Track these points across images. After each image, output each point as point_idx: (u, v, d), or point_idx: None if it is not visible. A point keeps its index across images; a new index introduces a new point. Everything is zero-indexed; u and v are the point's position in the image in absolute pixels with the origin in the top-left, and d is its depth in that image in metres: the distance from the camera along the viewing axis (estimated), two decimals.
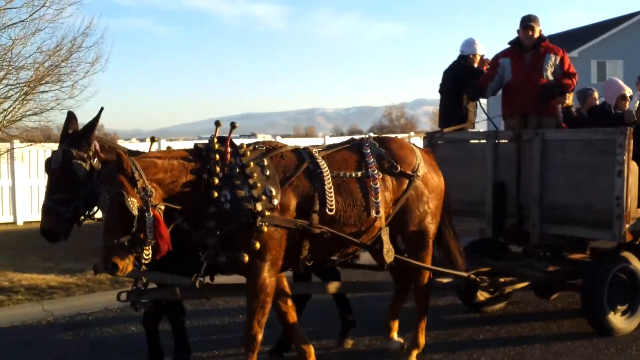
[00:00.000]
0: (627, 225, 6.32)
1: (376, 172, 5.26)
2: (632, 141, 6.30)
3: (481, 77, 7.86)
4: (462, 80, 8.00)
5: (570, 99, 8.18)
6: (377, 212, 5.18)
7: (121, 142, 31.32)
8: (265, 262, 4.80)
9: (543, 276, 6.65)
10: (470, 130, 8.06)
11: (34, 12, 12.69)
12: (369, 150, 5.38)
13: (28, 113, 11.85)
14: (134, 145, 18.34)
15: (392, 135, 6.18)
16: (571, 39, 46.43)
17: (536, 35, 7.39)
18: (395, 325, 6.20)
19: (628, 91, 7.32)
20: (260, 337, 4.84)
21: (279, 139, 22.67)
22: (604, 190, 6.43)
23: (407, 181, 5.44)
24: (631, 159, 6.32)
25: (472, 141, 7.84)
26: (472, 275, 6.29)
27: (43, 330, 7.31)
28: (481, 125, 10.22)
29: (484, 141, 7.53)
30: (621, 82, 7.56)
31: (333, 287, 6.08)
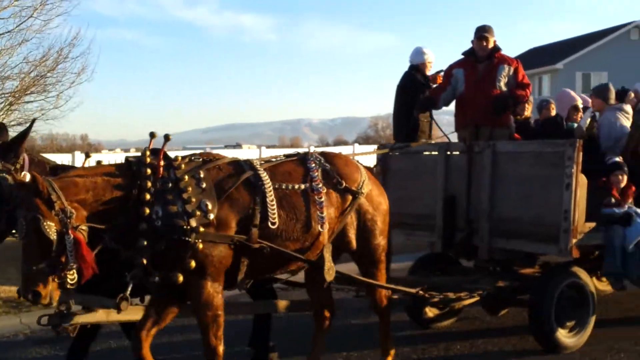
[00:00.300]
0: (574, 240, 6.23)
1: (321, 186, 5.11)
2: (581, 154, 6.22)
3: (433, 88, 7.77)
4: (412, 90, 7.89)
5: (529, 111, 8.11)
6: (322, 227, 5.03)
7: (105, 153, 30.80)
8: (206, 280, 4.61)
9: (489, 292, 6.52)
10: (423, 141, 7.95)
11: (21, 23, 13.18)
12: (313, 165, 5.23)
13: (12, 123, 11.81)
14: (118, 155, 18.03)
15: (337, 152, 5.98)
16: (557, 51, 46.92)
17: (490, 45, 7.31)
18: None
19: (580, 102, 7.26)
20: (220, 349, 4.68)
21: (264, 150, 22.49)
22: (552, 204, 6.33)
23: (351, 198, 5.29)
24: (580, 172, 6.24)
25: (425, 153, 7.72)
26: (420, 292, 6.15)
27: (20, 344, 7.11)
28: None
29: (436, 153, 7.42)
30: (573, 93, 7.52)
31: (280, 305, 5.94)
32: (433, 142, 7.78)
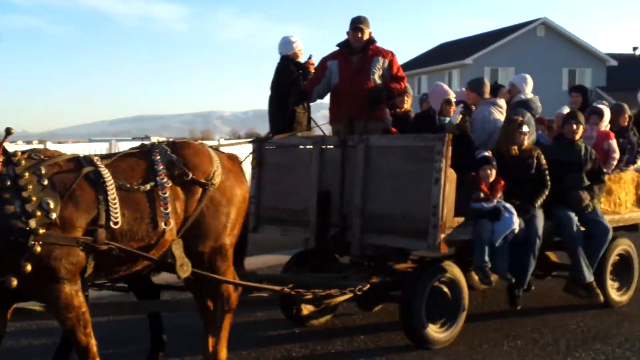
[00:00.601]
0: (443, 235, 6.17)
1: (165, 180, 4.82)
2: (450, 148, 6.16)
3: (308, 81, 7.58)
4: (287, 81, 7.67)
5: (408, 104, 8.03)
6: (167, 224, 4.75)
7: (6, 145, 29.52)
8: (62, 283, 4.37)
9: (360, 288, 6.39)
10: (299, 134, 7.75)
11: None
12: (158, 157, 4.93)
13: None
14: (20, 147, 17.15)
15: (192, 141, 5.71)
16: (466, 46, 47.67)
17: (365, 37, 7.17)
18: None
19: (453, 96, 7.22)
20: (92, 343, 4.54)
21: None
22: (422, 199, 6.26)
23: (201, 190, 5.02)
24: (449, 167, 6.18)
25: (301, 147, 7.52)
26: (286, 290, 5.95)
27: None
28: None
29: (311, 147, 7.24)
30: (446, 87, 7.47)
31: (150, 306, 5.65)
32: (300, 134, 7.59)
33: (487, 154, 6.69)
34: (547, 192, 6.98)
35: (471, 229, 6.49)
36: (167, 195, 4.76)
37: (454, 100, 7.18)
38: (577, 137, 7.37)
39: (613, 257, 8.00)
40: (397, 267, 7.22)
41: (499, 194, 6.64)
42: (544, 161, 7.01)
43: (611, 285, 8.00)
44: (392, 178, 6.53)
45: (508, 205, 6.56)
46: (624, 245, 8.17)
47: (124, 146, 12.98)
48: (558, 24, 47.02)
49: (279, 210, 7.60)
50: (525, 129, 6.92)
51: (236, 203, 5.25)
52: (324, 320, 7.50)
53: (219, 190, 5.11)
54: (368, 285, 6.34)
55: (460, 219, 6.39)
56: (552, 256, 8.67)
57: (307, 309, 7.32)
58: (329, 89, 7.32)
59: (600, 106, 8.32)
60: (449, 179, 6.21)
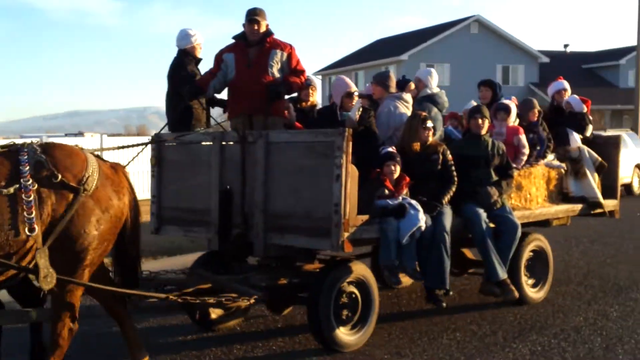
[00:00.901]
0: (347, 234, 5.92)
1: (30, 182, 4.38)
2: (350, 144, 5.91)
3: (203, 75, 7.22)
4: (183, 76, 7.28)
5: (314, 97, 7.75)
6: (31, 231, 4.32)
7: None
8: None
9: (264, 291, 6.05)
10: (198, 130, 7.39)
11: None
12: (25, 157, 4.49)
13: None
14: None
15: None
16: (402, 42, 47.82)
17: (262, 29, 6.85)
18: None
19: (354, 89, 6.95)
20: None
21: (105, 138, 21.00)
22: (323, 197, 6.00)
23: (71, 195, 4.57)
24: (350, 163, 5.93)
25: (202, 143, 7.15)
26: (171, 297, 5.59)
27: None
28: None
29: (211, 143, 6.89)
30: (348, 80, 7.21)
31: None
32: (202, 130, 7.22)
33: (391, 149, 6.46)
34: (454, 189, 6.81)
35: (377, 227, 6.25)
36: (31, 199, 4.33)
37: (355, 93, 6.91)
38: (483, 131, 7.22)
39: (527, 254, 7.92)
40: (305, 268, 6.94)
41: (404, 191, 6.43)
42: (450, 157, 6.84)
43: (526, 282, 7.92)
44: (294, 175, 6.25)
45: (414, 202, 6.35)
46: (537, 241, 8.10)
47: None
48: (491, 21, 47.90)
49: (180, 210, 7.25)
50: (429, 124, 6.72)
51: (112, 215, 4.80)
52: (234, 324, 7.18)
53: (93, 198, 4.67)
54: (266, 293, 6.03)
55: (365, 217, 6.15)
56: (468, 253, 8.56)
57: (215, 312, 6.98)
58: (226, 83, 6.98)
59: (506, 102, 8.20)
60: (351, 176, 5.96)
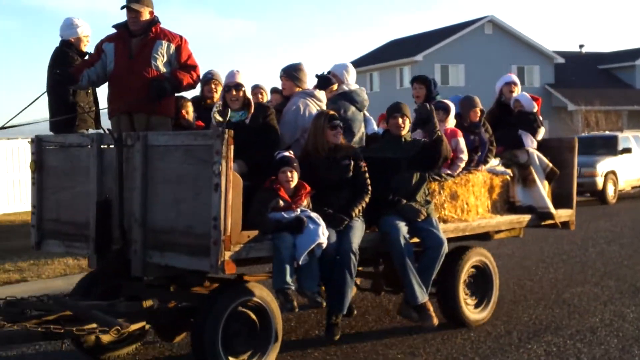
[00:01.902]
0: (229, 253, 5.01)
1: None
2: (232, 147, 5.01)
3: (78, 63, 6.31)
4: (60, 68, 6.36)
5: (218, 93, 6.81)
6: None
7: None
8: None
9: (115, 329, 5.10)
10: (81, 132, 6.48)
11: None
12: None
13: None
14: None
15: None
16: (416, 43, 46.69)
17: (145, 17, 5.95)
18: None
19: (238, 81, 5.99)
20: None
21: None
22: (203, 209, 5.10)
23: None
24: (231, 169, 5.02)
25: (82, 147, 6.22)
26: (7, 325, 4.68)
27: None
28: None
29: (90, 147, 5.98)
30: (235, 71, 6.26)
31: None
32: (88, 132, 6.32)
33: (287, 153, 5.53)
34: (367, 199, 5.91)
35: (269, 245, 5.33)
36: None
37: (244, 88, 5.92)
38: (404, 132, 6.31)
39: (466, 270, 7.03)
40: (196, 289, 6.02)
41: (304, 202, 5.52)
42: (363, 162, 5.93)
43: (466, 301, 7.02)
44: (174, 184, 5.37)
45: (314, 214, 5.43)
46: (478, 255, 7.20)
47: None
48: (505, 21, 47.00)
49: (61, 222, 6.34)
50: (337, 123, 5.81)
51: None
52: (127, 351, 6.25)
53: None
54: (129, 327, 5.10)
55: (253, 233, 5.24)
56: None
57: (104, 338, 6.03)
58: (105, 76, 6.06)
59: (446, 101, 7.28)
60: (234, 185, 5.05)
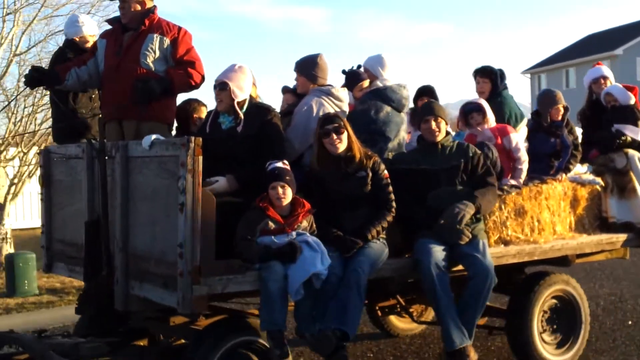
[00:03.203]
0: (198, 288, 4.13)
1: None
2: (200, 158, 4.14)
3: (68, 63, 5.64)
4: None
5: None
6: None
7: None
8: None
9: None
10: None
11: None
12: None
13: None
14: None
15: None
16: (616, 36, 43.81)
17: (136, 8, 5.19)
18: None
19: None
20: None
21: None
22: (172, 233, 4.26)
23: None
24: (200, 185, 4.15)
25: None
26: None
27: None
28: None
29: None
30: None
31: None
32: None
33: (280, 164, 4.54)
34: (389, 218, 4.83)
35: (255, 276, 4.39)
36: None
37: (227, 87, 4.97)
38: (439, 137, 5.16)
39: (544, 301, 5.80)
40: (199, 324, 5.19)
41: (301, 223, 4.53)
42: (385, 174, 4.86)
43: (543, 339, 5.79)
44: (150, 201, 4.56)
45: (312, 239, 4.43)
46: (561, 284, 5.93)
47: None
48: None
49: (65, 243, 5.74)
50: (329, 128, 4.75)
51: None
52: None
53: None
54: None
55: (234, 262, 4.33)
56: None
57: None
58: (99, 75, 5.37)
59: (477, 100, 6.00)
60: (204, 204, 4.17)
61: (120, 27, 5.27)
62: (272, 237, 4.40)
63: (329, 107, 5.12)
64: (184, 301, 4.13)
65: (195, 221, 4.12)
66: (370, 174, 4.78)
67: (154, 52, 5.12)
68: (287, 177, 4.46)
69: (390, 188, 4.86)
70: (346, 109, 5.26)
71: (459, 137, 5.87)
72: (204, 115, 5.65)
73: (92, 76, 5.36)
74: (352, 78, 5.62)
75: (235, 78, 4.76)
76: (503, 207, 5.56)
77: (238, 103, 4.78)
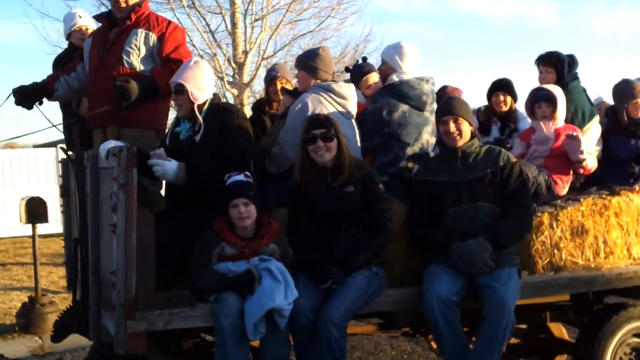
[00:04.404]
0: (133, 323, 3.56)
1: None
2: (135, 170, 3.57)
3: (58, 71, 5.22)
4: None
5: None
6: None
7: None
8: None
9: None
10: None
11: (321, 23, 14.82)
12: None
13: None
14: None
15: None
16: None
17: (131, 2, 4.69)
18: None
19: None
20: None
21: None
22: (111, 258, 3.72)
23: None
24: (135, 203, 3.57)
25: None
26: None
27: None
28: None
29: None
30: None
31: None
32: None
33: (242, 176, 3.83)
34: (384, 241, 4.01)
35: (208, 310, 3.74)
36: None
37: (184, 89, 4.29)
38: (461, 141, 4.21)
39: (621, 341, 4.69)
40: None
41: (267, 246, 3.82)
42: (380, 187, 4.02)
43: None
44: (108, 218, 4.03)
45: (277, 265, 3.71)
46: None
47: None
48: None
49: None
50: (315, 134, 3.96)
51: None
52: None
53: None
54: None
55: (181, 293, 3.70)
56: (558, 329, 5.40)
57: None
58: (86, 78, 4.93)
59: (549, 87, 4.87)
60: (142, 223, 3.59)
61: (109, 23, 4.80)
62: (230, 264, 3.73)
63: (329, 106, 4.35)
64: (117, 338, 3.57)
65: (129, 245, 3.55)
66: (361, 189, 3.97)
67: (139, 49, 4.61)
68: (251, 192, 3.76)
69: (387, 205, 4.02)
70: (352, 108, 4.47)
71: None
72: None
73: (83, 82, 4.93)
74: (355, 73, 4.82)
75: (191, 77, 4.11)
76: (555, 225, 4.52)
77: (199, 107, 4.13)
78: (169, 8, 14.19)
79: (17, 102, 4.85)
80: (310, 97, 4.36)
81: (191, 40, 14.18)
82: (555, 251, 4.52)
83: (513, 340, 5.40)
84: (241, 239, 3.78)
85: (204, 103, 4.15)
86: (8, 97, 4.84)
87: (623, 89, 5.12)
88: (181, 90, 4.10)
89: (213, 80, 4.30)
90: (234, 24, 14.50)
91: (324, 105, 4.33)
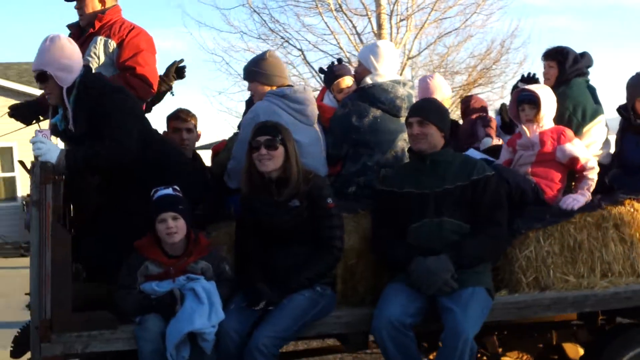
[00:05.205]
0: (48, 346, 3.38)
1: None
2: (49, 187, 3.40)
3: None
4: None
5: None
6: None
7: None
8: None
9: None
10: None
11: (466, 20, 14.90)
12: None
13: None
14: None
15: None
16: None
17: (89, 10, 4.56)
18: None
19: None
20: None
21: None
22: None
23: None
24: (50, 219, 3.40)
25: None
26: None
27: None
28: None
29: None
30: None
31: None
32: None
33: (169, 191, 3.57)
34: (330, 260, 3.66)
35: (131, 333, 3.50)
36: None
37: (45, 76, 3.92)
38: (424, 145, 3.78)
39: None
40: None
41: (197, 264, 3.55)
42: (329, 202, 3.67)
43: None
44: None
45: (203, 285, 3.44)
46: None
47: None
48: None
49: None
50: (259, 141, 3.64)
51: None
52: None
53: None
54: None
55: (100, 315, 3.49)
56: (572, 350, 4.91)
57: None
58: None
59: (533, 88, 4.33)
60: (57, 243, 3.40)
61: (79, 32, 4.68)
62: (153, 284, 3.49)
63: (283, 114, 4.03)
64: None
65: (43, 265, 3.37)
66: (307, 203, 3.64)
67: (98, 57, 4.44)
68: (181, 206, 3.51)
69: (336, 221, 3.67)
70: (311, 113, 4.14)
71: None
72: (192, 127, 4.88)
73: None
74: (327, 76, 4.50)
75: (52, 59, 3.69)
76: (542, 238, 4.04)
77: (68, 90, 3.71)
78: (316, 12, 14.64)
79: (21, 120, 4.75)
80: (261, 106, 4.06)
81: (338, 43, 14.70)
82: (543, 267, 4.03)
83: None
84: (169, 256, 3.53)
85: (73, 84, 3.73)
86: (14, 114, 4.72)
87: (637, 83, 4.56)
88: (44, 77, 3.73)
89: (78, 52, 3.85)
90: (379, 25, 14.62)
91: (278, 113, 4.02)
